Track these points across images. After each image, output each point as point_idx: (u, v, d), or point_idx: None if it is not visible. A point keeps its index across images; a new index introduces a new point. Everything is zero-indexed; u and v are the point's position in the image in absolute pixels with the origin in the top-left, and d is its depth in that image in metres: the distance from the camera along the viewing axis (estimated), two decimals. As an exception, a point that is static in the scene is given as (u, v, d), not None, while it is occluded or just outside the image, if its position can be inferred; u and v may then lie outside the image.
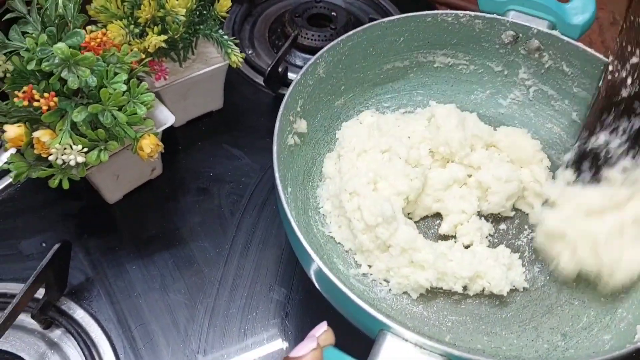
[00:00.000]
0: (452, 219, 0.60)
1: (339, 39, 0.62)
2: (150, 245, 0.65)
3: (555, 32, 0.63)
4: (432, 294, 0.57)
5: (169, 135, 0.67)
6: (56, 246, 0.57)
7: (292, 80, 0.58)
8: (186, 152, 0.74)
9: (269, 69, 0.75)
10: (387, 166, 0.59)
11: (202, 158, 0.73)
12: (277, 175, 0.51)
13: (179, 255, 0.65)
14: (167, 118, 0.64)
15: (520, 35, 0.65)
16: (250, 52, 0.84)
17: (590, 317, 0.55)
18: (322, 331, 0.43)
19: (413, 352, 0.42)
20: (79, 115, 0.53)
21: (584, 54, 0.63)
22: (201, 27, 0.67)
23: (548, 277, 0.59)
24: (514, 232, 0.62)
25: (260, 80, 0.81)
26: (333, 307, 0.49)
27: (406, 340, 0.43)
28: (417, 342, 0.42)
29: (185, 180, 0.71)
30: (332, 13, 0.86)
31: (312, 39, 0.82)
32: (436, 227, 0.62)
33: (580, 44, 0.63)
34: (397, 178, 0.58)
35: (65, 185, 0.55)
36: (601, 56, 0.61)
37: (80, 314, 0.60)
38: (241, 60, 0.67)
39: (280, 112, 0.56)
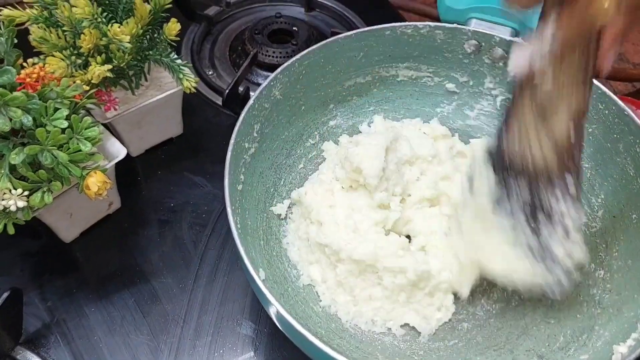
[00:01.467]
0: (421, 240, 0.57)
1: (294, 58, 0.60)
2: (110, 285, 0.62)
3: (518, 39, 0.61)
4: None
5: (127, 167, 0.64)
6: (5, 294, 0.54)
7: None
8: (146, 183, 0.71)
9: (227, 90, 0.72)
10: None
11: (162, 188, 0.70)
12: (229, 209, 0.49)
13: (140, 294, 0.62)
14: (119, 151, 0.60)
15: (483, 44, 0.63)
16: (210, 72, 0.81)
17: (567, 336, 0.52)
18: None
19: None
20: (16, 158, 0.50)
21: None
22: (150, 52, 0.64)
23: (523, 296, 0.56)
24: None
25: (221, 101, 0.78)
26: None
27: None
28: None
29: (145, 212, 0.68)
30: (294, 28, 0.83)
31: (273, 56, 0.79)
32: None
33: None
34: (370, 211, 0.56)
35: (11, 230, 0.52)
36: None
37: (37, 364, 0.57)
38: (194, 85, 0.64)
39: (232, 140, 0.53)
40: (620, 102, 0.57)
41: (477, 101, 0.67)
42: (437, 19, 0.65)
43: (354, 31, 0.62)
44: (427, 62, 0.66)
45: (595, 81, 0.57)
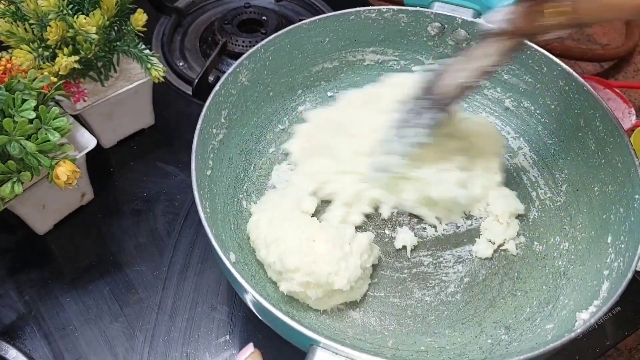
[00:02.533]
0: None
1: (259, 44, 0.61)
2: (85, 275, 0.63)
3: (480, 20, 0.62)
4: (372, 297, 0.56)
5: (99, 158, 0.64)
6: (-22, 287, 0.54)
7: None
8: (119, 174, 0.71)
9: (197, 79, 0.73)
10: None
11: (135, 178, 0.71)
12: (196, 194, 0.49)
13: (115, 283, 0.62)
14: (88, 141, 0.61)
15: (446, 26, 0.64)
16: (181, 63, 0.82)
17: (533, 306, 0.54)
18: (248, 354, 0.41)
19: None
20: (-17, 149, 0.50)
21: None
22: (118, 43, 0.64)
23: (490, 270, 0.58)
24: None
25: (191, 92, 0.78)
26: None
27: (336, 354, 0.41)
28: (348, 354, 0.41)
29: (118, 203, 0.69)
30: (263, 17, 0.84)
31: (242, 45, 0.80)
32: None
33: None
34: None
35: (-18, 222, 0.53)
36: (526, 41, 0.60)
37: (13, 354, 0.57)
38: (163, 74, 0.64)
39: (198, 126, 0.53)
40: (579, 78, 0.59)
41: (442, 83, 0.68)
42: (402, 4, 0.66)
43: (319, 16, 0.63)
44: (392, 46, 0.67)
45: (557, 60, 0.60)
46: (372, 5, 0.66)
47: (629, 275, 0.47)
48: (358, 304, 0.55)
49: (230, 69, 0.58)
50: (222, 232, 0.54)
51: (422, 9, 0.64)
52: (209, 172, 0.55)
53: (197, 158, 0.52)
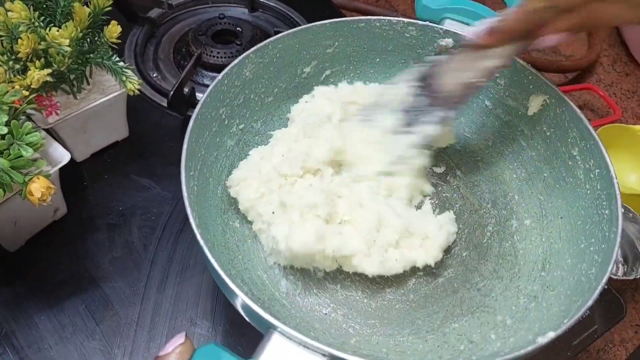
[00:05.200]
0: None
1: (268, 40, 0.61)
2: (59, 292, 0.61)
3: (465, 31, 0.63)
4: (343, 296, 0.57)
5: (72, 172, 0.63)
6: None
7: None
8: (93, 188, 0.70)
9: (172, 91, 0.72)
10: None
11: (110, 192, 0.70)
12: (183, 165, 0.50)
13: (91, 299, 0.61)
14: (62, 156, 0.60)
15: (455, 44, 0.65)
16: (155, 74, 0.81)
17: (498, 324, 0.55)
18: (177, 344, 0.41)
19: (296, 351, 0.42)
20: (-46, 166, 0.49)
21: (514, 64, 0.62)
22: (92, 55, 0.63)
23: (461, 283, 0.59)
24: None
25: (166, 103, 0.77)
26: (257, 333, 0.47)
27: (291, 340, 0.42)
28: (302, 342, 0.41)
29: (93, 217, 0.67)
30: (238, 28, 0.84)
31: (217, 57, 0.80)
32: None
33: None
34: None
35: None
36: (530, 68, 0.61)
37: (-16, 376, 0.56)
38: (138, 87, 0.63)
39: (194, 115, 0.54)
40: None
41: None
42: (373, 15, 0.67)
43: (329, 20, 0.64)
44: (399, 58, 0.68)
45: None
46: (346, 17, 0.66)
47: (590, 303, 0.47)
48: (329, 299, 0.57)
49: (236, 61, 0.59)
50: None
51: (431, 24, 0.64)
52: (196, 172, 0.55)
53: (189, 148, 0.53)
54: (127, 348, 0.58)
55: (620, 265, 0.74)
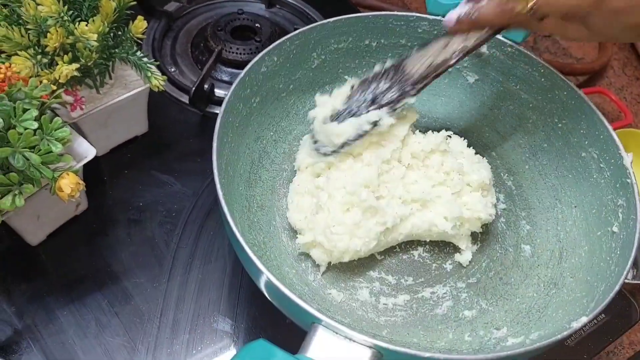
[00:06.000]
0: None
1: (284, 37, 0.62)
2: (81, 287, 0.61)
3: (499, 36, 0.64)
4: (373, 289, 0.59)
5: (92, 166, 0.63)
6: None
7: (219, 98, 0.57)
8: (112, 183, 0.70)
9: (194, 88, 0.72)
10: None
11: (130, 187, 0.69)
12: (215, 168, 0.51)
13: (113, 294, 0.61)
14: (87, 151, 0.60)
15: None
16: (173, 69, 0.81)
17: (522, 311, 0.56)
18: None
19: (343, 344, 0.43)
20: (-14, 161, 0.48)
21: (528, 59, 0.63)
22: (116, 50, 0.63)
23: (486, 274, 0.60)
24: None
25: (185, 98, 0.77)
26: (279, 327, 0.48)
27: (336, 333, 0.43)
28: (347, 335, 0.43)
29: (113, 212, 0.67)
30: (256, 25, 0.83)
31: (237, 53, 0.79)
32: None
33: (522, 48, 0.64)
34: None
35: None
36: (542, 60, 0.63)
37: (8, 370, 0.56)
38: (163, 83, 0.63)
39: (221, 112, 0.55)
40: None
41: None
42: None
43: (344, 16, 0.65)
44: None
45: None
46: (360, 12, 0.67)
47: (616, 288, 0.49)
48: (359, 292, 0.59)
49: (257, 57, 0.59)
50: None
51: (443, 18, 0.65)
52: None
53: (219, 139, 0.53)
54: (150, 344, 0.58)
55: (630, 269, 0.75)
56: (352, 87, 0.61)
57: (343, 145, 0.58)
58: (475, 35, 0.55)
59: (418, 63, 0.58)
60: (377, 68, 0.60)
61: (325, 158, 0.59)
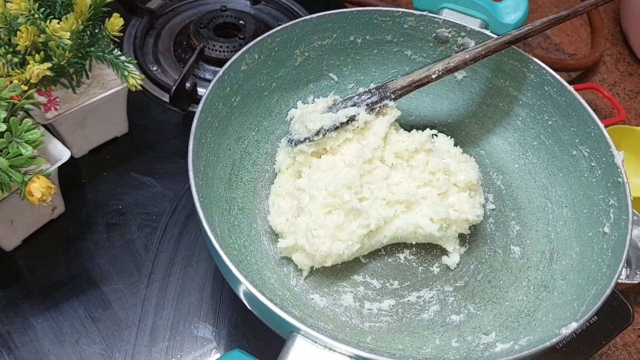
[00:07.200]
0: None
1: (266, 33, 0.60)
2: (57, 293, 0.59)
3: (487, 31, 0.62)
4: (356, 293, 0.57)
5: (70, 168, 0.61)
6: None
7: (202, 96, 0.55)
8: (91, 185, 0.68)
9: (175, 87, 0.70)
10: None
11: (109, 190, 0.67)
12: (190, 167, 0.49)
13: (90, 301, 0.59)
14: (61, 153, 0.58)
15: (454, 34, 0.64)
16: (155, 68, 0.79)
17: (512, 315, 0.55)
18: None
19: (322, 354, 0.41)
20: (-49, 165, 0.47)
21: (517, 55, 0.62)
22: (92, 49, 0.61)
23: (473, 278, 0.59)
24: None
25: (167, 98, 0.75)
26: (261, 333, 0.47)
27: (315, 342, 0.42)
28: (327, 344, 0.41)
29: (92, 216, 0.65)
30: (240, 22, 0.81)
31: (220, 51, 0.77)
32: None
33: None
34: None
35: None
36: (531, 57, 0.61)
37: (-20, 381, 0.54)
38: (140, 82, 0.61)
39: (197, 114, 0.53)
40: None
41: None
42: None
43: (328, 12, 0.63)
44: (398, 48, 0.67)
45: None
46: (346, 8, 0.65)
47: (608, 292, 0.48)
48: (341, 297, 0.57)
49: (236, 55, 0.58)
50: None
51: (430, 14, 0.63)
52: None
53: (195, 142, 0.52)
54: (128, 352, 0.57)
55: (623, 269, 0.74)
56: (335, 101, 0.61)
57: (317, 133, 0.57)
58: (458, 58, 0.58)
59: (401, 81, 0.60)
60: (361, 90, 0.60)
61: (297, 147, 0.58)
